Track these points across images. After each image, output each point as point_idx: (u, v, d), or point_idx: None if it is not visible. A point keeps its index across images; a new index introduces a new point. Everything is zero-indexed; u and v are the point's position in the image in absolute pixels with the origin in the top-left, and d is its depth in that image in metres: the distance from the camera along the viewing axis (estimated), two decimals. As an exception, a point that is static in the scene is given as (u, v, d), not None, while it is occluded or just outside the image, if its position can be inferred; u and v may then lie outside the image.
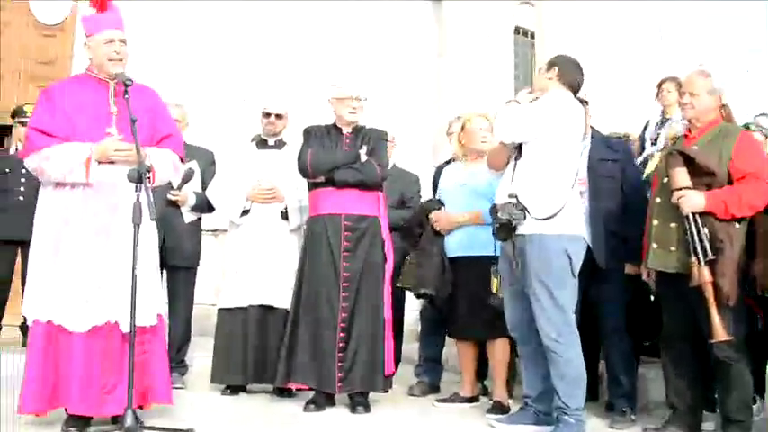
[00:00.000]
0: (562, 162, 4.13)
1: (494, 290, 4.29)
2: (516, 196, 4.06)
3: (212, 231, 6.82)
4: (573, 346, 4.04)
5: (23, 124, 6.21)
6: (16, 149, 6.45)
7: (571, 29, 7.95)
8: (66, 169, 3.78)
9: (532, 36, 9.22)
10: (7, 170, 6.36)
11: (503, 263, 4.33)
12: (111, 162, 3.84)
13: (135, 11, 7.58)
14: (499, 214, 4.04)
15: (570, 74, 4.32)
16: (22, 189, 6.24)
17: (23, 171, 6.17)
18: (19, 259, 6.27)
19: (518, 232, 4.05)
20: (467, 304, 4.83)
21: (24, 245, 5.90)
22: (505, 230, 4.06)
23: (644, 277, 4.33)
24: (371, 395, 4.81)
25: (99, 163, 3.82)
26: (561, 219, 4.03)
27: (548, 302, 4.02)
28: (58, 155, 3.78)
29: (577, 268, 4.11)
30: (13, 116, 6.56)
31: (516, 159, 4.20)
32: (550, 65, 4.36)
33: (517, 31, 9.18)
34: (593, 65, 6.91)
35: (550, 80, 4.30)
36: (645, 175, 5.22)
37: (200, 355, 5.75)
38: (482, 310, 4.66)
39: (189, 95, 6.74)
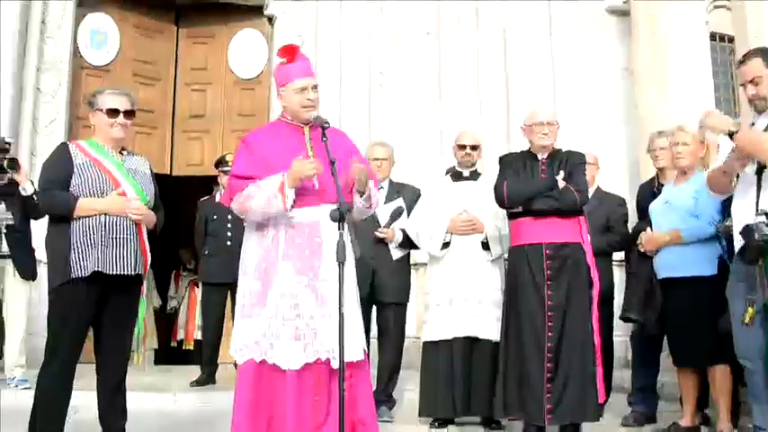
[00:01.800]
0: None
1: (746, 320, 3.79)
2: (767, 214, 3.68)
3: (413, 265, 6.89)
4: None
5: (226, 173, 6.62)
6: (221, 196, 6.84)
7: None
8: (265, 201, 3.84)
9: (730, 41, 8.73)
10: (215, 216, 6.76)
11: (737, 285, 3.93)
12: (313, 200, 3.92)
13: (331, 53, 7.99)
14: (755, 236, 3.64)
15: None
16: (229, 234, 6.60)
17: (230, 217, 6.55)
18: (229, 302, 6.61)
19: None
20: (684, 329, 4.58)
21: (233, 286, 6.27)
22: (756, 252, 3.68)
23: None
24: (584, 426, 4.64)
25: (296, 192, 3.86)
26: None
27: None
28: (256, 190, 3.88)
29: None
30: (216, 166, 6.99)
31: (759, 173, 3.79)
32: None
33: (713, 37, 8.72)
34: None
35: None
36: None
37: (408, 388, 5.79)
38: (701, 335, 4.40)
39: (391, 134, 6.92)
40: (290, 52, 4.15)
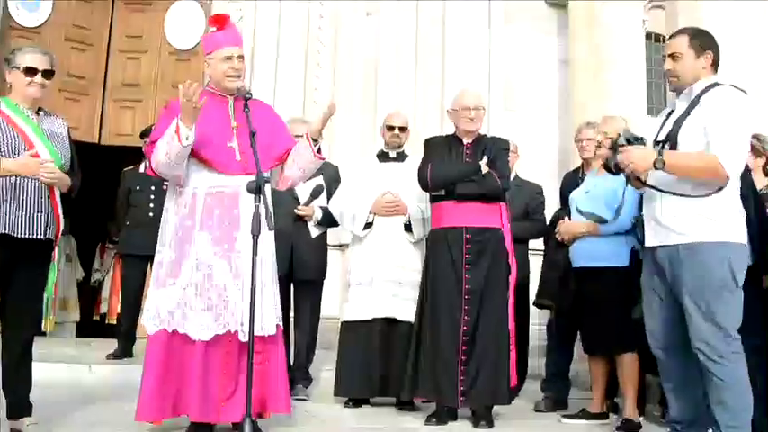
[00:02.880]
0: None
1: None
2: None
3: (338, 246, 6.87)
4: (736, 368, 3.55)
5: (152, 144, 6.52)
6: (145, 167, 6.72)
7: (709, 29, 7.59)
8: (166, 145, 3.81)
9: (665, 40, 8.89)
10: (138, 187, 6.65)
11: (648, 273, 3.89)
12: (233, 170, 3.90)
13: (270, 29, 7.88)
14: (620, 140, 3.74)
15: (718, 56, 3.83)
16: (151, 205, 6.50)
17: (152, 188, 6.46)
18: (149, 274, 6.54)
19: (672, 242, 3.67)
20: (595, 317, 4.65)
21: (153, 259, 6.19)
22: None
23: None
24: (495, 409, 4.69)
25: (215, 163, 3.92)
26: (722, 224, 3.61)
27: (706, 319, 3.56)
28: (160, 140, 3.87)
29: (741, 279, 3.62)
30: (142, 136, 6.85)
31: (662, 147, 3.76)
32: (701, 48, 3.78)
33: (648, 36, 8.87)
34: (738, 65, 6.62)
35: (704, 69, 3.79)
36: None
37: (324, 368, 5.79)
38: (611, 324, 4.48)
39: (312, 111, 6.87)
40: (219, 21, 4.12)
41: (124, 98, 8.65)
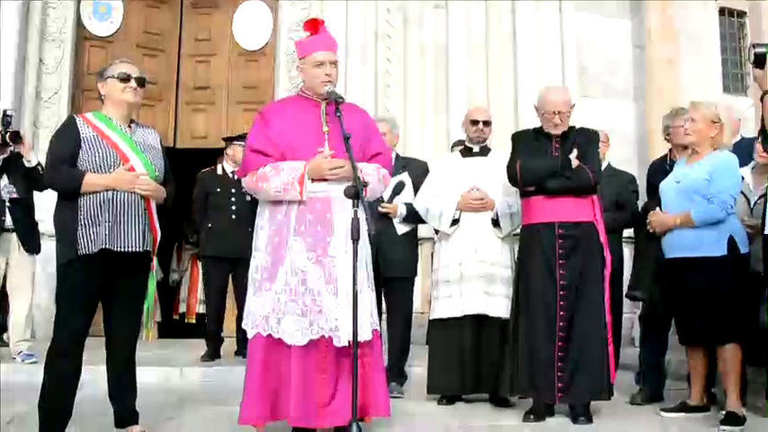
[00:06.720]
0: None
1: None
2: None
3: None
4: None
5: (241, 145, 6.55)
6: (223, 170, 6.77)
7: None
8: (281, 188, 3.86)
9: (740, 15, 8.72)
10: (218, 189, 6.67)
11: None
12: (325, 179, 3.89)
13: (337, 27, 7.91)
14: None
15: None
16: (233, 208, 6.53)
17: (233, 191, 6.49)
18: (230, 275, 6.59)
19: None
20: (694, 308, 4.54)
21: (236, 261, 6.22)
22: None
23: None
24: (592, 404, 4.62)
25: (312, 180, 3.88)
26: None
27: None
28: (273, 174, 3.87)
29: None
30: (230, 140, 6.89)
31: None
32: None
33: (722, 12, 8.67)
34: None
35: None
36: None
37: (414, 364, 5.78)
38: (711, 314, 4.38)
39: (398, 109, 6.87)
40: (313, 26, 4.12)
41: (196, 101, 8.77)
